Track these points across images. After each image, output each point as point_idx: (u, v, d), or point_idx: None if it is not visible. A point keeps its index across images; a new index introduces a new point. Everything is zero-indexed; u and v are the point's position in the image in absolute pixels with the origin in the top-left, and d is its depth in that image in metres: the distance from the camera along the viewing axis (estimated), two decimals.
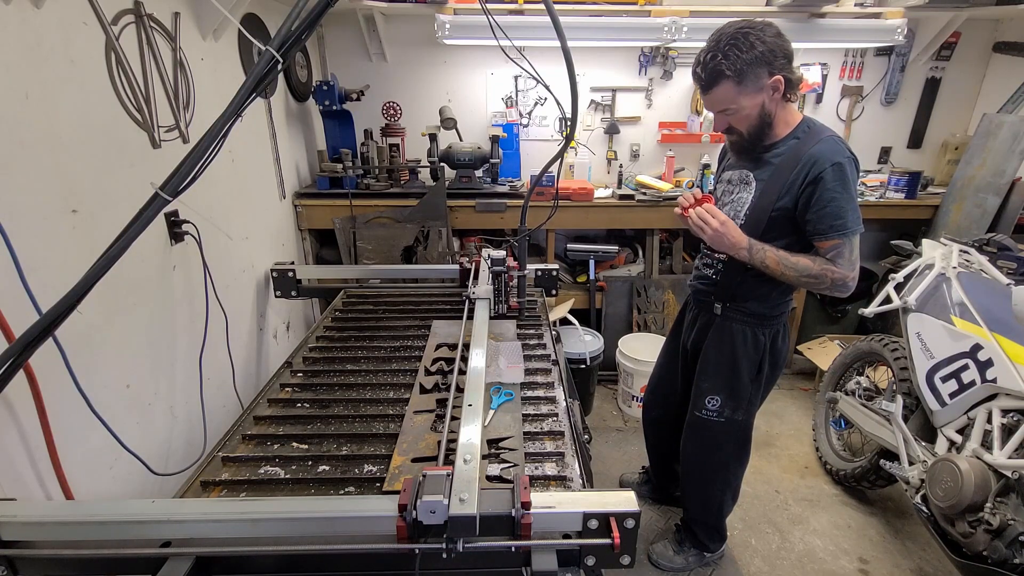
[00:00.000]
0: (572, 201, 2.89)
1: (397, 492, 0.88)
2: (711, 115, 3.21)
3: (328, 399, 1.47)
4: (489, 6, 1.69)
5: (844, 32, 2.80)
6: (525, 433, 1.29)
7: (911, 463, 1.94)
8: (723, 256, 1.71)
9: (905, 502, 2.38)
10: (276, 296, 2.35)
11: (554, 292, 2.33)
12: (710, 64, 1.45)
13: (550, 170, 1.76)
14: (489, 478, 1.11)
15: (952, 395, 1.84)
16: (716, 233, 1.55)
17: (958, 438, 1.80)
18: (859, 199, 1.48)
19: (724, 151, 1.82)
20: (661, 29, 2.66)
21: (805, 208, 1.50)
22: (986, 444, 1.69)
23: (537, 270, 2.26)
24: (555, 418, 1.37)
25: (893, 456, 2.05)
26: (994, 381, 1.70)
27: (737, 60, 1.42)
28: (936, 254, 2.14)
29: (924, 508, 1.80)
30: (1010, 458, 1.60)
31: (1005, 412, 1.67)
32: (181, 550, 0.87)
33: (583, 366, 2.73)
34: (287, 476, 1.18)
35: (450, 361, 1.56)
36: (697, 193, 1.63)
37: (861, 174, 2.88)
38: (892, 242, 2.49)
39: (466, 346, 1.53)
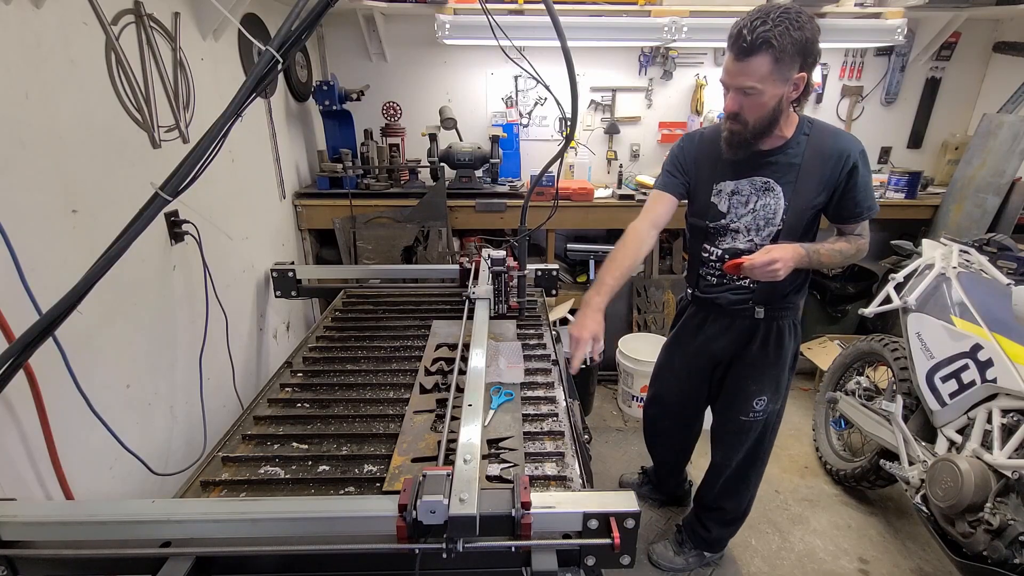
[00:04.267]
0: (572, 201, 2.89)
1: (397, 492, 0.88)
2: (711, 116, 3.23)
3: (328, 399, 1.47)
4: (489, 6, 1.69)
5: (844, 32, 2.80)
6: (525, 433, 1.29)
7: (911, 463, 1.94)
8: None
9: (905, 502, 2.38)
10: (276, 296, 2.35)
11: (554, 292, 2.33)
12: (759, 29, 1.31)
13: (550, 170, 1.76)
14: (489, 478, 1.11)
15: (952, 395, 1.84)
16: (782, 264, 1.46)
17: (958, 438, 1.80)
18: None
19: (690, 158, 1.68)
20: (661, 29, 2.66)
21: (842, 197, 1.55)
22: (986, 444, 1.69)
23: (537, 270, 2.25)
24: (555, 418, 1.37)
25: (893, 456, 2.05)
26: (994, 381, 1.70)
27: (785, 36, 1.31)
28: (936, 254, 2.14)
29: (924, 508, 1.80)
30: (1010, 458, 1.60)
31: (1005, 412, 1.67)
32: (181, 550, 0.88)
33: (583, 366, 2.73)
34: (287, 476, 1.18)
35: (450, 361, 1.55)
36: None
37: None
38: (892, 242, 2.49)
39: (466, 346, 1.52)
